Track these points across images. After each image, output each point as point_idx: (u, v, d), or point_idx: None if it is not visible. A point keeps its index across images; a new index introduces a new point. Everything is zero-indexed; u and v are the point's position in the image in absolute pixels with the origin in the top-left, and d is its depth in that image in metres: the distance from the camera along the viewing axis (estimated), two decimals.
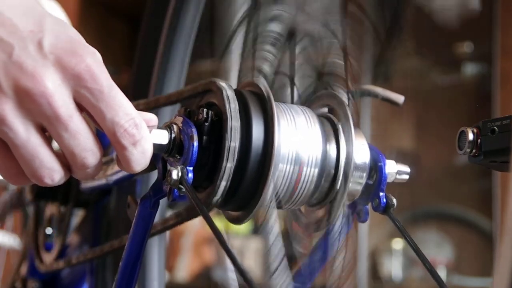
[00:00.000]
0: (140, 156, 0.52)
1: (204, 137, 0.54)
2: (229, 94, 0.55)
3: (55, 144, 0.53)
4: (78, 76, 0.50)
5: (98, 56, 0.52)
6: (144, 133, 0.52)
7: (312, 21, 0.65)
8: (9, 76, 0.49)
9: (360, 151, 0.57)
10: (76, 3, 2.78)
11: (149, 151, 0.53)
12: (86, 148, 0.51)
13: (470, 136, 0.57)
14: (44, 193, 0.92)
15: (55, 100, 0.49)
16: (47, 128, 0.50)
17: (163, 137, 0.55)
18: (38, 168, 0.51)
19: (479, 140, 0.57)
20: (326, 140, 0.57)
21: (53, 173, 0.51)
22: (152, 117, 0.54)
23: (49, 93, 0.49)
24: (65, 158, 0.52)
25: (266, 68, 0.63)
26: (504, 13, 2.10)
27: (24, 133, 0.50)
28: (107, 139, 0.53)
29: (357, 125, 0.58)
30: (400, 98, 0.66)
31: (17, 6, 0.50)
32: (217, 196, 0.54)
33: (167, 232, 0.86)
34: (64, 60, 0.50)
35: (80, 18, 2.76)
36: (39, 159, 0.51)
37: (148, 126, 0.53)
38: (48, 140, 0.51)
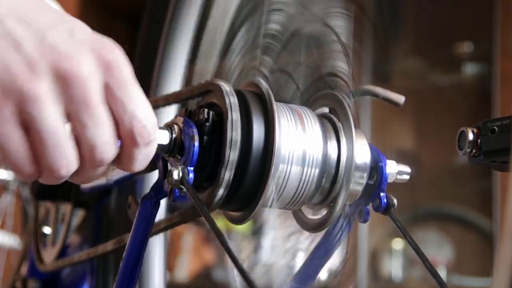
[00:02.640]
0: (145, 157, 0.52)
1: (205, 137, 0.54)
2: (228, 89, 0.55)
3: None
4: (109, 66, 0.50)
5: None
6: (156, 135, 0.52)
7: (313, 20, 0.65)
8: (44, 57, 0.48)
9: (361, 151, 0.57)
10: (76, 3, 2.78)
11: (152, 154, 0.53)
12: (108, 142, 0.50)
13: (470, 136, 0.57)
14: (44, 193, 0.92)
15: (89, 85, 0.49)
16: (74, 115, 0.49)
17: (164, 137, 0.55)
18: (58, 157, 0.49)
19: (479, 140, 0.57)
20: (326, 140, 0.57)
21: (70, 165, 0.50)
22: None
23: (84, 76, 0.48)
24: (80, 153, 0.51)
25: (267, 68, 0.63)
26: (504, 13, 2.10)
27: (53, 118, 0.48)
28: None
29: (357, 125, 0.58)
30: (400, 98, 0.66)
31: (32, 3, 0.50)
32: (218, 196, 0.54)
33: (168, 232, 0.86)
34: (96, 49, 0.50)
35: (80, 18, 2.75)
36: (60, 148, 0.49)
37: None
38: (69, 131, 0.50)
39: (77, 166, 0.51)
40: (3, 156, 0.49)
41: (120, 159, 0.52)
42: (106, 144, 0.50)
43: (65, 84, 0.48)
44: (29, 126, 0.49)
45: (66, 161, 0.50)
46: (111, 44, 0.51)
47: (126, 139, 0.51)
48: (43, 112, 0.48)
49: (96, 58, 0.49)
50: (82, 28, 0.51)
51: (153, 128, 0.52)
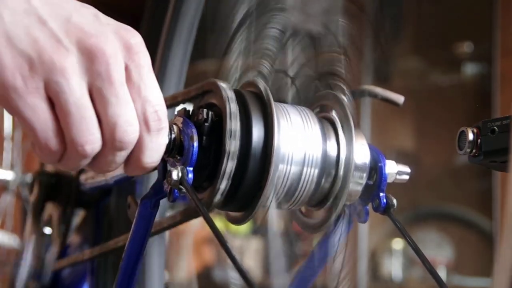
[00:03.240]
0: (156, 147, 0.52)
1: (204, 138, 0.54)
2: (229, 94, 0.55)
3: None
4: (130, 49, 0.51)
5: None
6: (167, 125, 0.53)
7: (313, 21, 0.65)
8: (70, 34, 0.49)
9: (360, 151, 0.57)
10: None
11: (163, 148, 0.53)
12: (130, 121, 0.51)
13: (470, 136, 0.57)
14: (44, 193, 0.92)
15: (113, 62, 0.49)
16: (98, 91, 0.50)
17: None
18: (83, 131, 0.50)
19: (479, 140, 0.57)
20: (326, 140, 0.57)
21: (95, 140, 0.50)
22: None
23: (109, 53, 0.49)
24: (102, 132, 0.51)
25: (266, 68, 0.63)
26: (504, 13, 2.10)
27: (79, 90, 0.49)
28: None
29: (356, 125, 0.58)
30: (400, 99, 0.66)
31: None
32: (217, 197, 0.54)
33: (167, 232, 0.86)
34: (120, 32, 0.51)
35: None
36: (86, 121, 0.49)
37: None
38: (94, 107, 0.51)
39: (100, 144, 0.51)
40: (29, 130, 0.49)
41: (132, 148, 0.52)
42: (128, 124, 0.51)
43: (90, 59, 0.49)
44: (55, 100, 0.49)
45: (92, 136, 0.50)
46: (133, 30, 0.52)
47: (139, 123, 0.51)
48: (70, 83, 0.49)
49: (119, 39, 0.50)
50: (104, 15, 0.52)
51: (164, 115, 0.52)
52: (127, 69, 0.51)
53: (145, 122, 0.51)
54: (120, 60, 0.50)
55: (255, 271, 2.44)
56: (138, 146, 0.52)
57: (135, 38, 0.51)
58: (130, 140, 0.51)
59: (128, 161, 0.53)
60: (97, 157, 0.52)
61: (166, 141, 0.53)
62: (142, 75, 0.51)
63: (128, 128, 0.51)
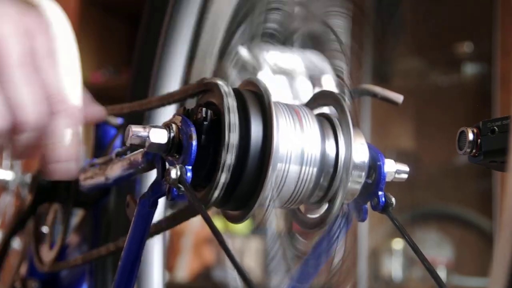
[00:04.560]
0: (61, 129, 0.53)
1: (203, 136, 0.54)
2: (227, 90, 0.55)
3: None
4: (30, 32, 0.51)
5: None
6: (68, 107, 0.53)
7: (312, 20, 0.65)
8: None
9: (359, 150, 0.57)
10: (76, 3, 2.78)
11: (69, 130, 0.53)
12: (27, 104, 0.51)
13: (470, 136, 0.57)
14: (43, 193, 0.92)
15: (6, 46, 0.50)
16: None
17: (162, 136, 0.55)
18: None
19: (479, 140, 0.57)
20: (324, 139, 0.57)
21: None
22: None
23: (4, 35, 0.50)
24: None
25: (266, 67, 0.63)
26: (504, 13, 2.10)
27: None
28: (105, 140, 0.53)
29: (356, 125, 0.58)
30: (399, 98, 0.65)
31: None
32: (216, 192, 0.54)
33: (167, 232, 0.86)
34: (21, 15, 0.51)
35: (80, 18, 2.76)
36: None
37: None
38: None
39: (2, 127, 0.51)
40: None
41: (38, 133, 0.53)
42: (25, 105, 0.51)
43: None
44: None
45: None
46: (37, 15, 0.52)
47: (40, 106, 0.52)
48: None
49: (19, 22, 0.51)
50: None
51: (64, 98, 0.53)
52: (26, 52, 0.51)
53: (45, 105, 0.52)
54: (17, 42, 0.50)
55: (254, 271, 2.44)
56: (44, 130, 0.53)
57: (36, 22, 0.52)
58: (31, 121, 0.52)
59: (43, 152, 0.54)
60: (4, 140, 0.53)
61: (69, 123, 0.54)
62: (40, 58, 0.52)
63: (26, 109, 0.51)
